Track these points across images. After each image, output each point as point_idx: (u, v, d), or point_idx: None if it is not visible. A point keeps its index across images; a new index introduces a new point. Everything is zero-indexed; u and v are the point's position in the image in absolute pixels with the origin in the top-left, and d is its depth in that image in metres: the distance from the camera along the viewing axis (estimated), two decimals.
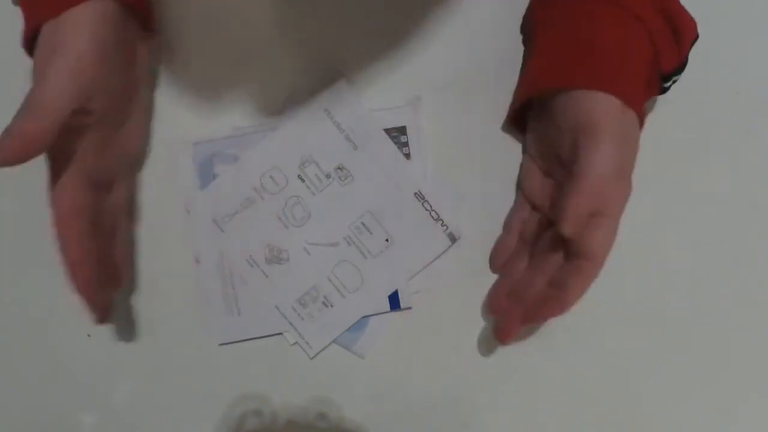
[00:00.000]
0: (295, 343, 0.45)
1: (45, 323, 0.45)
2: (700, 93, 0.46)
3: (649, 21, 0.40)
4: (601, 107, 0.39)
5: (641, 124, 0.42)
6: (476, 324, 0.45)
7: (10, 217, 0.46)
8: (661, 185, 0.46)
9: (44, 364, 0.45)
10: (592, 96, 0.39)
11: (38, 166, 0.45)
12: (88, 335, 0.45)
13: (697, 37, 0.42)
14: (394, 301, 0.45)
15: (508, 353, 0.45)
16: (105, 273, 0.42)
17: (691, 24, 0.41)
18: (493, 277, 0.45)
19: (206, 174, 0.46)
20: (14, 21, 0.44)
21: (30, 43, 0.41)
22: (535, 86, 0.43)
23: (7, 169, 0.45)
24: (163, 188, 0.47)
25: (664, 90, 0.43)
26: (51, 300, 0.45)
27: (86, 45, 0.39)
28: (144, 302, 0.45)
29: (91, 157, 0.41)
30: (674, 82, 0.43)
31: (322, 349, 0.45)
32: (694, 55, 0.46)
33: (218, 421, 0.45)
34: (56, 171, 0.40)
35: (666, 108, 0.46)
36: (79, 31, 0.39)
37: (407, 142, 0.46)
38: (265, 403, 0.45)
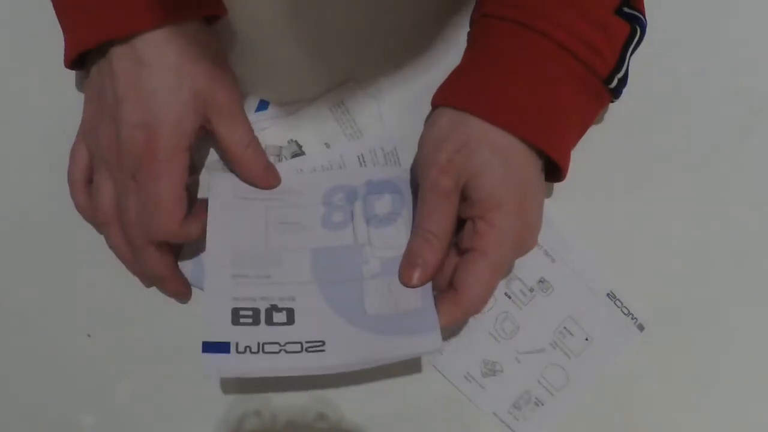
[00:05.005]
0: None
1: (45, 323, 0.45)
2: (700, 93, 0.46)
3: (564, 39, 0.38)
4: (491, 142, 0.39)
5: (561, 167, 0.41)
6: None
7: (10, 217, 0.46)
8: (661, 185, 0.46)
9: (44, 364, 0.45)
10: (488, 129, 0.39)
11: (33, 169, 0.45)
12: (88, 335, 0.45)
13: (633, 36, 0.40)
14: None
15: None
16: None
17: (621, 26, 0.39)
18: None
19: None
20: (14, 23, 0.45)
21: (77, 55, 0.41)
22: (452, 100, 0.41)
23: (6, 171, 0.46)
24: None
25: (614, 92, 0.41)
26: (51, 300, 0.45)
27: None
28: (144, 302, 0.45)
29: None
30: (620, 82, 0.40)
31: None
32: (695, 55, 0.46)
33: (218, 421, 0.45)
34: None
35: (666, 108, 0.46)
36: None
37: None
38: (265, 403, 0.45)
